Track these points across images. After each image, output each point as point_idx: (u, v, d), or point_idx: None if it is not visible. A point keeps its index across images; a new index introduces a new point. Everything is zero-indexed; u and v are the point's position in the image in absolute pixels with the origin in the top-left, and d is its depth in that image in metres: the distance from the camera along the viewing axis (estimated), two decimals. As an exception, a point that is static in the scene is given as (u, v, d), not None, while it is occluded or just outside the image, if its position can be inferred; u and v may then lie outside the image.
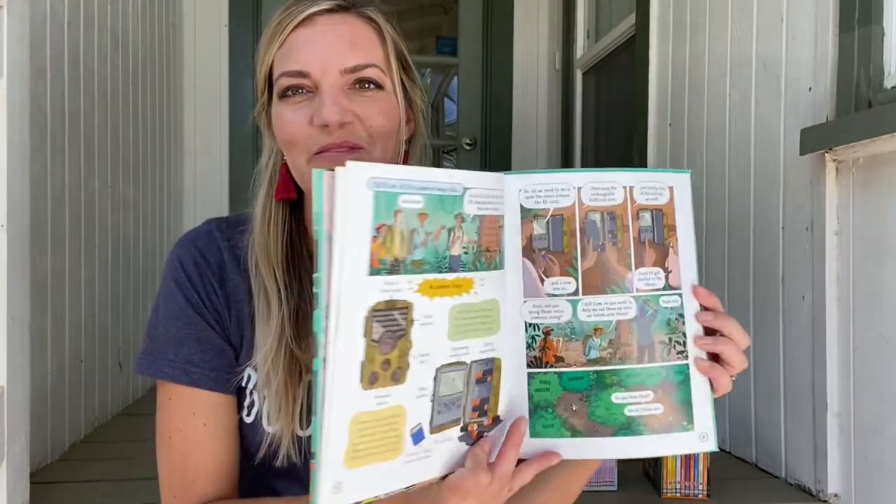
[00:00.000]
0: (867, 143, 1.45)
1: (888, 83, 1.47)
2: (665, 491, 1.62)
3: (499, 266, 0.66)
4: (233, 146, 3.51)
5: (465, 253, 0.62)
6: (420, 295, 0.59)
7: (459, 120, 3.75)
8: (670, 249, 0.69)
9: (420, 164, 0.91)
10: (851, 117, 1.49)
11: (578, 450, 0.67)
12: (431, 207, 0.60)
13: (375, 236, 0.57)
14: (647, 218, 0.68)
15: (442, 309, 0.61)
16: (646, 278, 0.68)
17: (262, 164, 0.91)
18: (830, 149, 1.54)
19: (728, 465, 1.90)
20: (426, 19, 3.82)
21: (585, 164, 3.32)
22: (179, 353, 0.82)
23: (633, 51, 2.65)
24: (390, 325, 0.58)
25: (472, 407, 0.65)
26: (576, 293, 0.67)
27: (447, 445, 0.63)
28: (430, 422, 0.62)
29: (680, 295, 0.69)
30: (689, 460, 1.60)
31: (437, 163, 3.35)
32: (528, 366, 0.67)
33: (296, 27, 0.80)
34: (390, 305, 0.58)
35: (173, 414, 0.82)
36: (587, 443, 0.67)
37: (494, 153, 3.75)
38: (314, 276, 0.57)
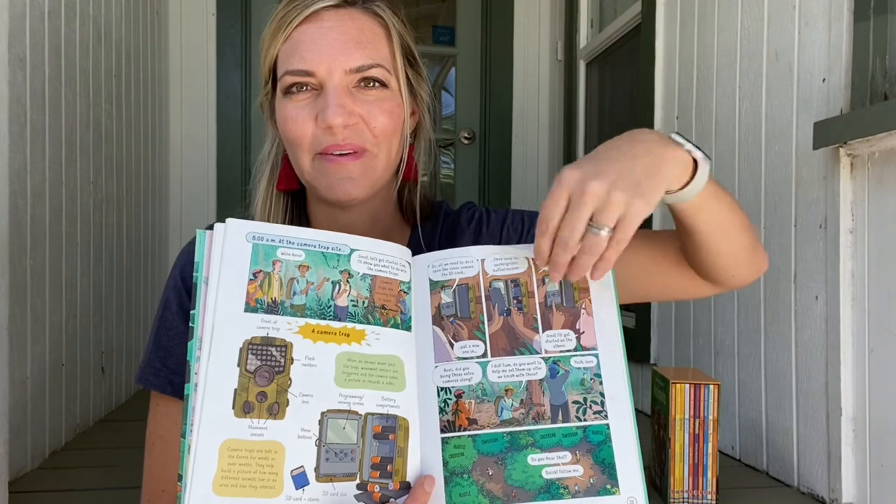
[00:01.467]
0: (883, 137, 1.45)
1: (905, 74, 1.47)
2: (672, 500, 1.62)
3: (400, 326, 0.71)
4: (220, 140, 3.51)
5: (354, 305, 0.70)
6: (301, 336, 0.67)
7: (457, 113, 3.75)
8: (582, 311, 0.72)
9: (425, 156, 0.94)
10: (867, 110, 1.49)
11: None
12: (313, 261, 0.69)
13: (252, 280, 0.67)
14: (553, 283, 0.73)
15: (327, 353, 0.67)
16: (554, 340, 0.72)
17: (264, 153, 0.94)
18: (845, 143, 1.54)
19: (738, 472, 1.90)
20: (422, 7, 3.82)
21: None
22: (167, 363, 0.84)
23: (639, 40, 2.65)
24: (267, 359, 0.66)
25: (372, 464, 0.67)
26: (484, 355, 0.71)
27: (339, 500, 0.65)
28: (317, 468, 0.65)
29: (596, 355, 0.71)
30: (696, 468, 1.61)
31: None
32: (442, 431, 0.69)
33: (301, 23, 0.81)
34: (267, 342, 0.66)
35: (159, 421, 0.85)
36: None
37: (494, 147, 3.74)
38: (191, 312, 0.65)
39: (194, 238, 0.89)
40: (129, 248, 2.76)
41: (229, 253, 0.67)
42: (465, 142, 3.73)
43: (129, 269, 2.76)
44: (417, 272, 0.74)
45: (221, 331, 0.65)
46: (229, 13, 3.52)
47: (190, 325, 0.65)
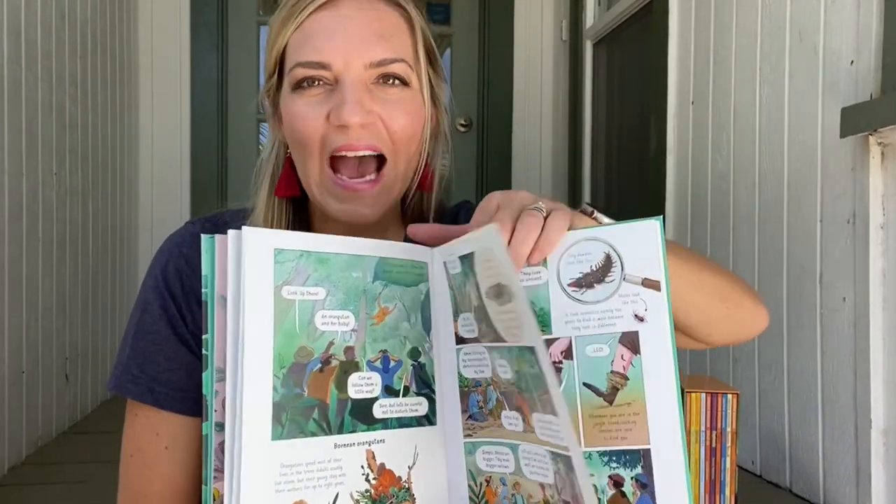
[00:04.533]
0: (917, 124, 1.45)
1: (940, 56, 1.47)
2: (687, 519, 1.61)
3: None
4: (195, 128, 3.50)
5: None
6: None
7: (453, 98, 3.74)
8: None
9: (440, 164, 0.92)
10: (899, 95, 1.49)
11: None
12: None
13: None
14: None
15: None
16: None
17: (265, 155, 0.92)
18: (875, 130, 1.54)
19: (758, 489, 1.91)
20: (415, -16, 3.82)
21: (596, 148, 3.31)
22: (146, 370, 0.84)
23: (651, 19, 2.65)
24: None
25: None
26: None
27: None
28: None
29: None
30: (713, 484, 1.60)
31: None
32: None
33: (315, 10, 0.80)
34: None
35: (137, 432, 0.85)
36: None
37: (493, 135, 3.74)
38: (203, 337, 0.61)
39: (176, 233, 0.87)
40: (95, 245, 2.75)
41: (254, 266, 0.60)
42: (462, 130, 3.72)
43: (95, 268, 2.75)
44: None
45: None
46: (205, -11, 3.51)
47: (203, 352, 0.61)
